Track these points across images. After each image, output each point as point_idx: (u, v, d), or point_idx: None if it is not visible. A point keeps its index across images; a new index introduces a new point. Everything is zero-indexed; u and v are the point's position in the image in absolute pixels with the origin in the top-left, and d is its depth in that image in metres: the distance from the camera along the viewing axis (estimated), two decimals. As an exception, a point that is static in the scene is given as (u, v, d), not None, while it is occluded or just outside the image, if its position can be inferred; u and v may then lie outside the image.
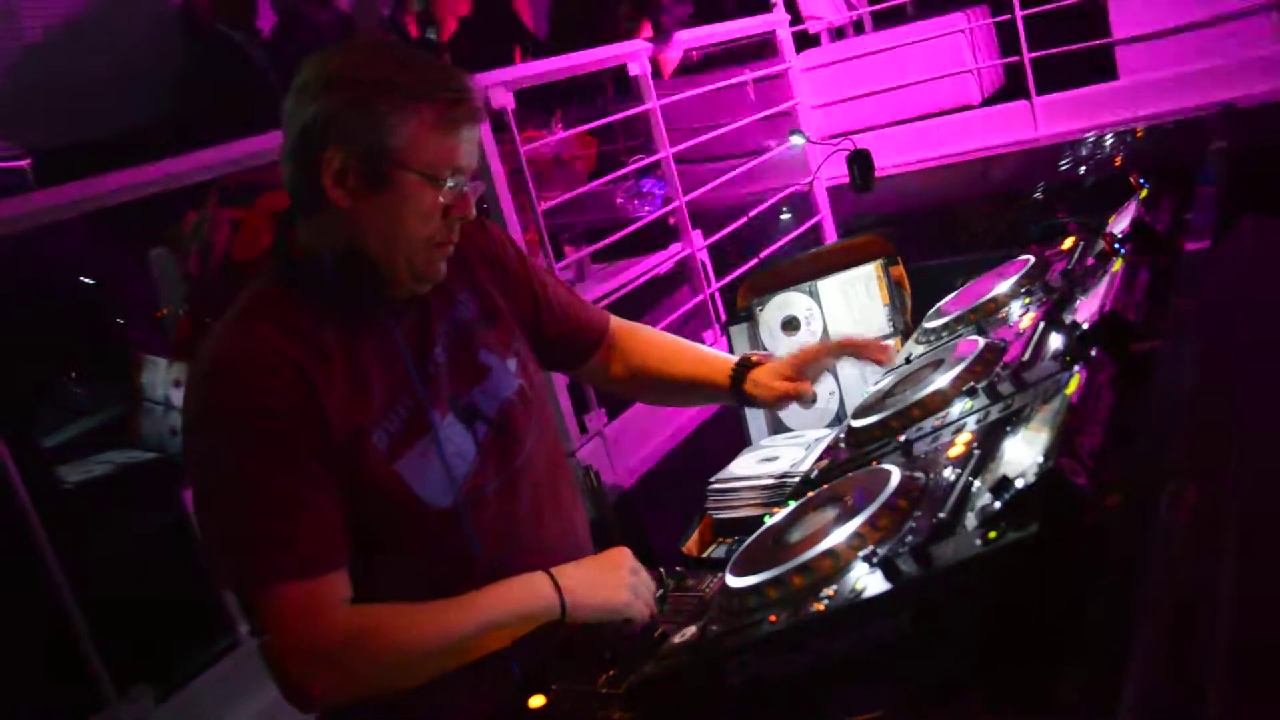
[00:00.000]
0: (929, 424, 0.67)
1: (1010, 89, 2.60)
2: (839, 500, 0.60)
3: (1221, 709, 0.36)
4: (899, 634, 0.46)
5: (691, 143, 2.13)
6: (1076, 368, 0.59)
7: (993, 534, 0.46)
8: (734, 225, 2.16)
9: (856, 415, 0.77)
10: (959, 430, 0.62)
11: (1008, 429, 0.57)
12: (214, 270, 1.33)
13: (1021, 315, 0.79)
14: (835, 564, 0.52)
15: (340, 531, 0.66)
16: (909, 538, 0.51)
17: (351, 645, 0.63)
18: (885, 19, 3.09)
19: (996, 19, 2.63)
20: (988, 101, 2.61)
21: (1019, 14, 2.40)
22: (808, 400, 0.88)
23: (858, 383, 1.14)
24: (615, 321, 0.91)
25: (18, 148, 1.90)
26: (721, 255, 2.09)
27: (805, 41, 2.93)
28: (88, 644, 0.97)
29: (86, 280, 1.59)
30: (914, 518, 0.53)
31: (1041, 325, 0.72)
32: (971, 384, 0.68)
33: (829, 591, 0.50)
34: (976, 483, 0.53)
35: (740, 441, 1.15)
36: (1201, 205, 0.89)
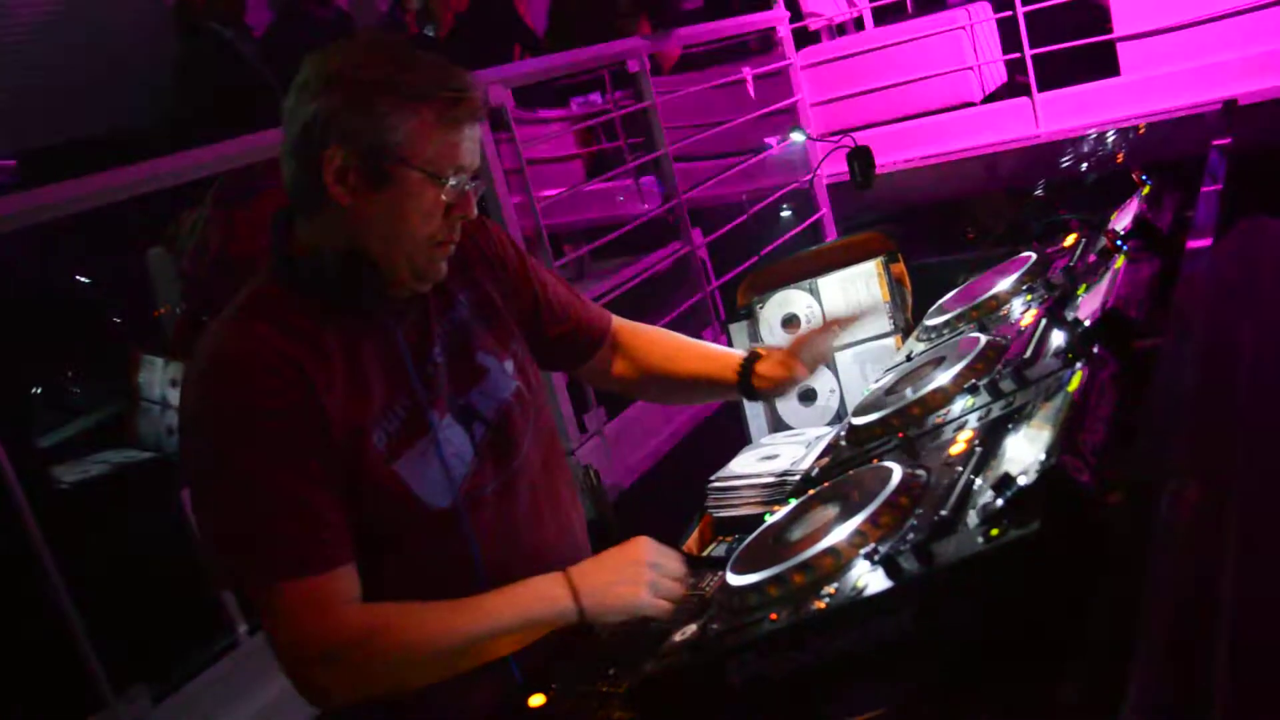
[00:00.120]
0: (930, 421, 0.67)
1: (1012, 86, 2.60)
2: (840, 498, 0.60)
3: (1225, 708, 0.36)
4: (900, 632, 0.46)
5: (691, 140, 2.12)
6: (1078, 365, 0.58)
7: (995, 531, 0.45)
8: (734, 223, 2.15)
9: (857, 413, 0.77)
10: (961, 428, 0.62)
11: (1009, 426, 0.57)
12: (210, 269, 1.33)
13: (1023, 312, 0.79)
14: (836, 562, 0.52)
15: (344, 528, 0.65)
16: (910, 535, 0.51)
17: (361, 644, 0.63)
18: (886, 15, 3.08)
19: (998, 15, 2.62)
20: (989, 98, 2.60)
21: (1020, 10, 2.39)
22: (800, 380, 0.86)
23: (859, 380, 1.14)
24: (617, 321, 0.91)
25: (4, 146, 1.89)
26: (722, 253, 2.08)
27: (806, 38, 2.92)
28: (85, 644, 0.97)
29: (83, 279, 1.59)
30: (915, 515, 0.53)
31: (1043, 322, 0.71)
32: (973, 381, 0.67)
33: (830, 589, 0.50)
34: (978, 480, 0.53)
35: (740, 440, 1.15)
36: (1204, 202, 0.89)
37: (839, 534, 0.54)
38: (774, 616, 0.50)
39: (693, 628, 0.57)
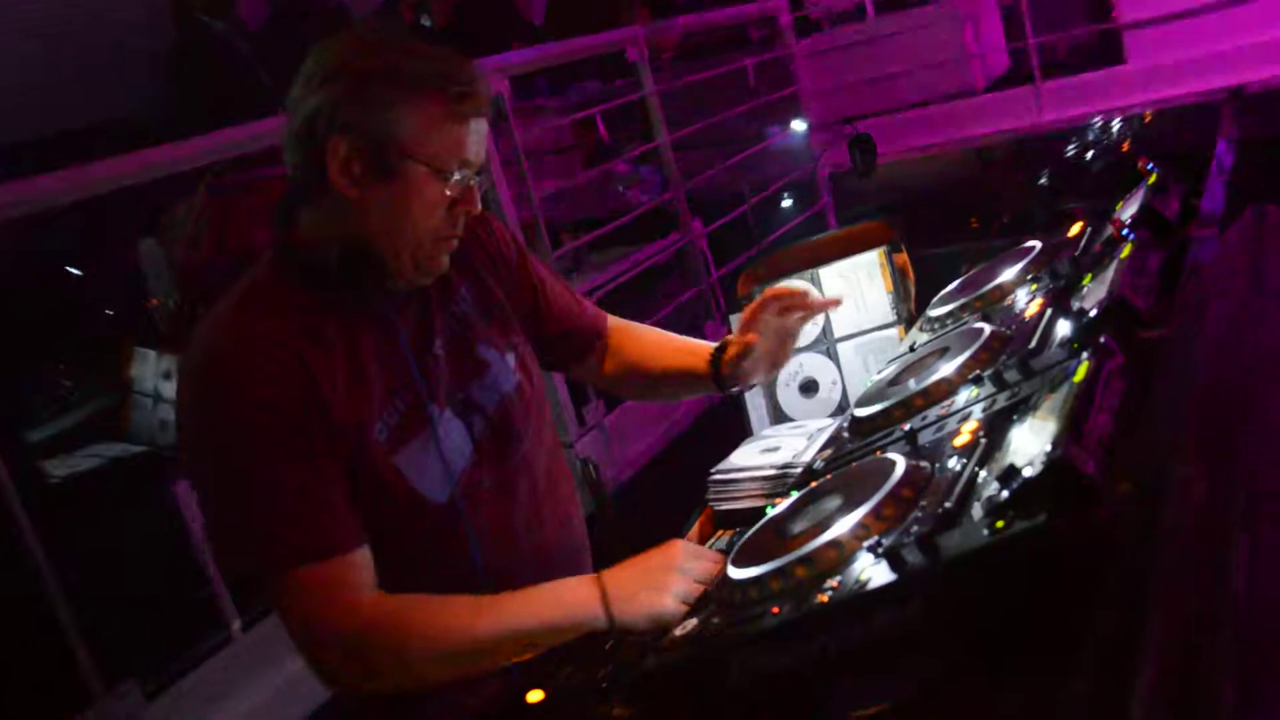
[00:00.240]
0: (934, 413, 0.66)
1: (1015, 74, 2.57)
2: (843, 490, 0.59)
3: (1233, 703, 0.36)
4: (904, 626, 0.46)
5: (690, 129, 2.10)
6: (1084, 355, 0.58)
7: (1000, 524, 0.45)
8: (735, 213, 2.14)
9: (860, 404, 0.77)
10: (965, 419, 0.61)
11: (1015, 417, 0.56)
12: (204, 261, 1.32)
13: (1028, 302, 0.78)
14: (839, 555, 0.52)
15: (353, 513, 0.65)
16: (914, 528, 0.50)
17: (379, 634, 0.63)
18: (888, 4, 3.05)
19: (1002, 3, 2.59)
20: (993, 87, 2.57)
21: (1024, -4, 2.37)
22: (760, 356, 0.81)
23: (861, 372, 1.13)
24: (612, 320, 0.90)
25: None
26: (722, 243, 2.07)
27: (807, 27, 2.88)
28: (76, 639, 0.97)
29: (73, 270, 1.58)
30: (919, 508, 0.52)
31: (1048, 312, 0.70)
32: (977, 372, 0.66)
33: (833, 583, 0.49)
34: (983, 472, 0.52)
35: (741, 432, 1.15)
36: (1211, 191, 0.88)
37: (842, 527, 0.53)
38: (776, 610, 0.50)
39: (693, 622, 0.56)
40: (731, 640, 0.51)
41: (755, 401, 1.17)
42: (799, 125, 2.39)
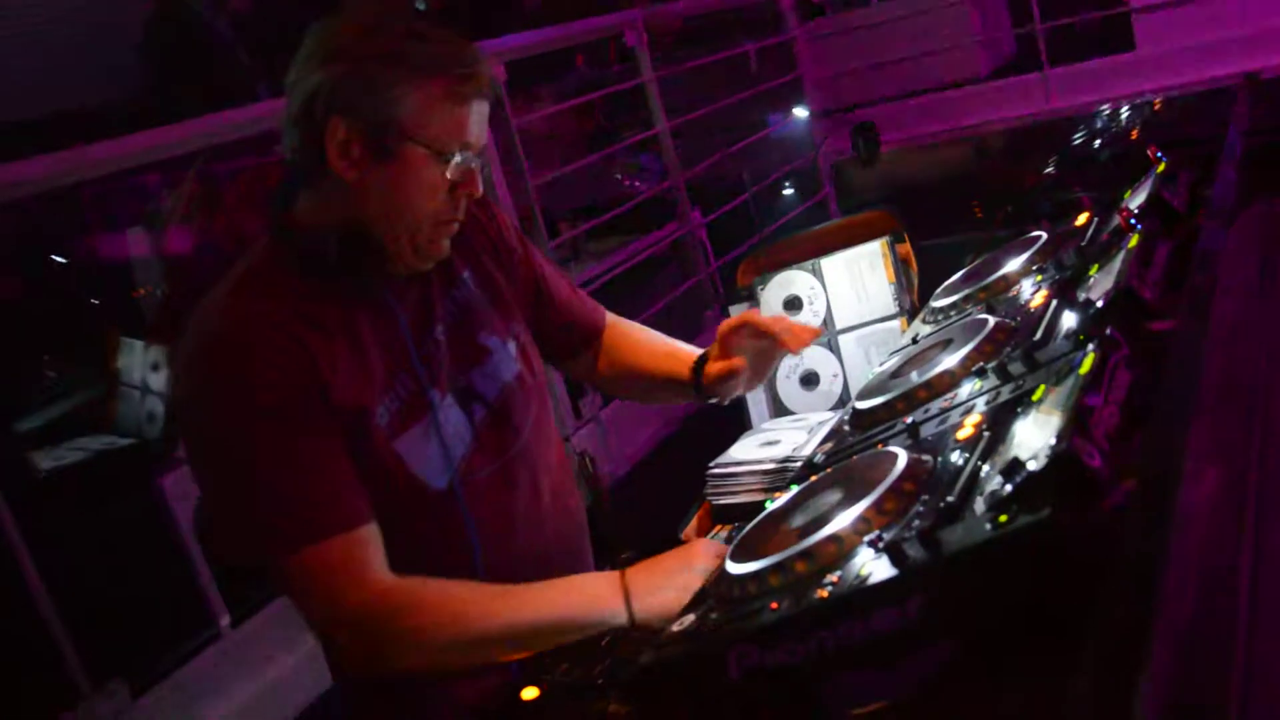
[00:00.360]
0: (936, 406, 0.65)
1: (1023, 60, 2.53)
2: (843, 484, 0.58)
3: (1242, 700, 0.35)
4: (905, 621, 0.45)
5: (690, 116, 2.07)
6: (1090, 347, 0.56)
7: (1003, 518, 0.44)
8: (735, 202, 2.12)
9: (861, 397, 0.76)
10: (968, 412, 0.60)
11: (1018, 410, 0.56)
12: (193, 249, 1.30)
13: (1033, 293, 0.77)
14: (839, 549, 0.51)
15: (360, 489, 0.64)
16: (916, 522, 0.49)
17: (394, 616, 0.62)
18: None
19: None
20: (999, 73, 2.53)
21: (1031, -18, 2.32)
22: (744, 377, 0.80)
23: (863, 364, 1.12)
24: (610, 318, 0.89)
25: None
26: (723, 232, 2.05)
27: (810, 11, 2.84)
28: (62, 636, 0.96)
29: (58, 259, 1.56)
30: (921, 502, 0.51)
31: (1054, 303, 0.69)
32: (981, 364, 0.66)
33: (833, 578, 0.49)
34: (986, 466, 0.51)
35: (740, 425, 1.14)
36: (1221, 180, 0.86)
37: (842, 521, 0.52)
38: (775, 606, 0.49)
39: (691, 617, 0.56)
40: (730, 636, 0.50)
41: (755, 395, 1.16)
42: (801, 112, 2.36)
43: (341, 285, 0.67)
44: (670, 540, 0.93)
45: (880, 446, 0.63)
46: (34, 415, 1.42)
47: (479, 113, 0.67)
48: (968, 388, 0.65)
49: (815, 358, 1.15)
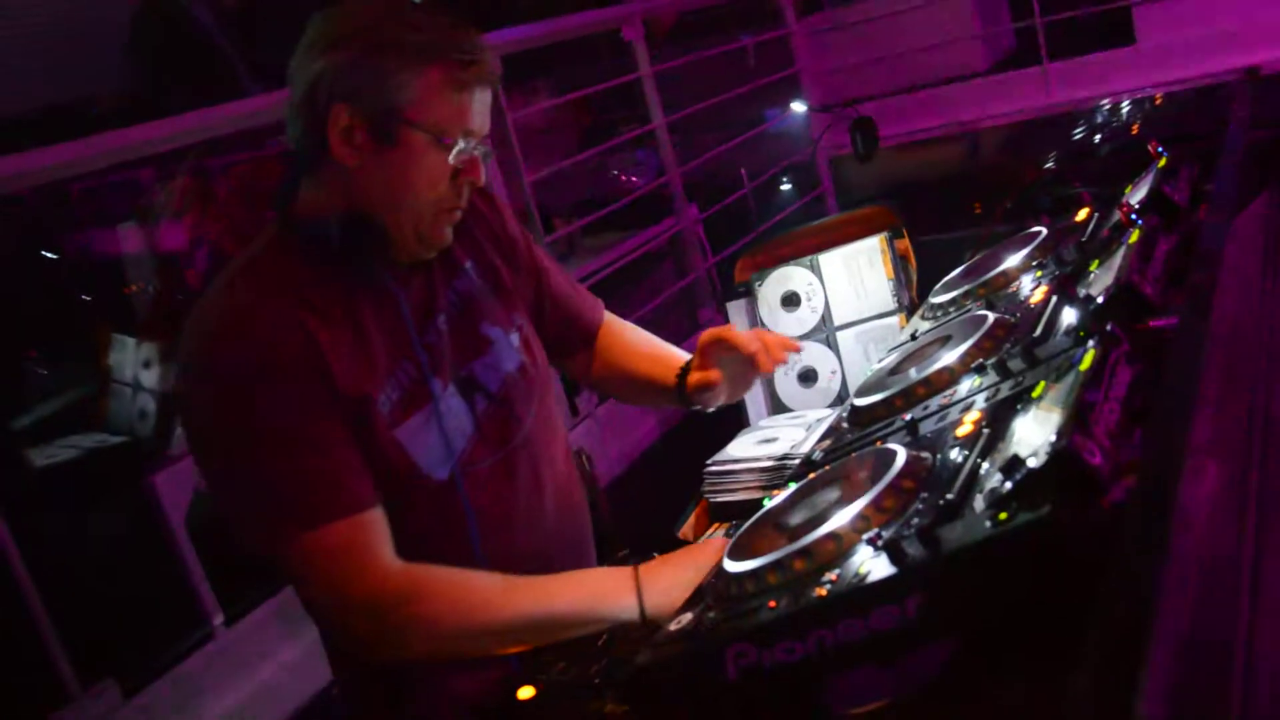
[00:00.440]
0: (936, 402, 0.65)
1: (1023, 54, 2.51)
2: (842, 482, 0.58)
3: (1241, 699, 0.35)
4: (904, 620, 0.45)
5: (687, 111, 2.05)
6: (1091, 343, 0.56)
7: (1003, 515, 0.44)
8: (732, 197, 2.10)
9: (860, 394, 0.75)
10: (967, 409, 0.60)
11: (1018, 407, 0.55)
12: (185, 245, 1.29)
13: (1033, 289, 0.77)
14: (838, 547, 0.51)
15: (366, 472, 0.64)
16: (915, 520, 0.49)
17: (406, 602, 0.62)
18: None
19: (1007, -19, 2.53)
20: (999, 67, 2.52)
21: (1031, -25, 2.31)
22: (723, 388, 0.79)
23: (861, 360, 1.12)
24: (607, 317, 0.89)
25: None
26: (720, 228, 2.04)
27: (808, 5, 2.82)
28: (52, 636, 0.95)
29: (49, 254, 1.54)
30: (920, 499, 0.51)
31: (1054, 299, 0.69)
32: (980, 361, 0.65)
33: (831, 576, 0.48)
34: (985, 463, 0.51)
35: (738, 422, 1.13)
36: (1222, 175, 0.86)
37: (841, 519, 0.52)
38: (773, 604, 0.49)
39: (688, 616, 0.55)
40: (728, 635, 0.50)
41: (753, 391, 1.16)
42: (799, 107, 2.34)
43: (344, 273, 0.67)
44: (667, 538, 0.92)
45: (879, 443, 0.63)
46: (24, 413, 1.41)
47: (481, 100, 0.67)
48: (967, 384, 0.64)
49: (814, 354, 1.15)
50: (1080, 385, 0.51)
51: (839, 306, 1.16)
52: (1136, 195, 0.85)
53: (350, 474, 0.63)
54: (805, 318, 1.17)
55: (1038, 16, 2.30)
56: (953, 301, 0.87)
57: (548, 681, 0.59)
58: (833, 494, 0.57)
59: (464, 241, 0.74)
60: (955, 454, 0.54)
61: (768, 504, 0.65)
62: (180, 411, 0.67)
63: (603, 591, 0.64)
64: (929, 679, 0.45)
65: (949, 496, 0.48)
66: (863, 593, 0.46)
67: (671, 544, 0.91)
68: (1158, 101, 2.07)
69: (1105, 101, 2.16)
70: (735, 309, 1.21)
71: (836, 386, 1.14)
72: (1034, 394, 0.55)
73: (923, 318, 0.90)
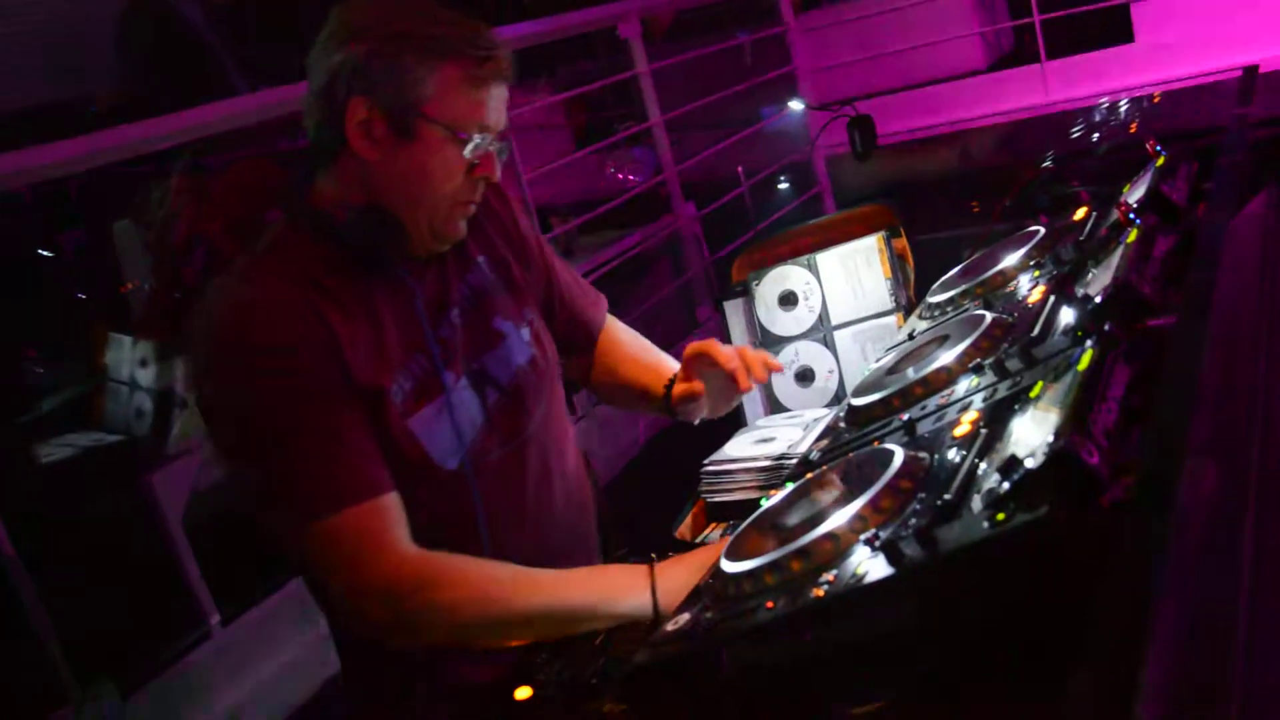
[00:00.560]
0: (933, 402, 0.65)
1: (1020, 52, 2.51)
2: (839, 482, 0.58)
3: (1243, 697, 0.35)
4: (902, 621, 0.45)
5: (684, 109, 2.05)
6: (1089, 343, 0.56)
7: (1001, 516, 0.44)
8: (729, 196, 2.10)
9: (857, 394, 0.75)
10: (965, 409, 0.60)
11: (1016, 407, 0.55)
12: (181, 243, 1.28)
13: (1031, 288, 0.77)
14: (835, 548, 0.50)
15: (381, 458, 0.65)
16: (912, 520, 0.49)
17: (421, 589, 0.62)
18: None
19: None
20: (997, 66, 2.52)
21: (1029, -27, 2.30)
22: (705, 402, 0.79)
23: (859, 360, 1.12)
24: (607, 320, 0.89)
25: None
26: (717, 227, 2.03)
27: (806, 3, 2.81)
28: (49, 636, 0.95)
29: (45, 253, 1.53)
30: (918, 500, 0.51)
31: (1052, 299, 0.69)
32: (978, 360, 0.65)
33: (829, 576, 0.48)
34: (983, 464, 0.51)
35: (735, 422, 1.13)
36: (1222, 174, 0.86)
37: (838, 519, 0.52)
38: (770, 605, 0.49)
39: (686, 616, 0.55)
40: (725, 635, 0.50)
41: (751, 392, 1.15)
42: (796, 105, 2.34)
43: (359, 265, 0.67)
44: (665, 538, 0.92)
45: (876, 443, 0.63)
46: (21, 412, 1.40)
47: (498, 96, 0.68)
48: (965, 384, 0.64)
49: (811, 354, 1.15)
50: (1078, 385, 0.51)
51: (836, 306, 1.16)
52: (1135, 194, 0.85)
53: (367, 460, 0.64)
54: (802, 317, 1.17)
55: (1036, 14, 2.30)
56: (950, 301, 0.87)
57: (545, 681, 0.59)
58: (830, 494, 0.57)
59: (477, 236, 0.75)
60: (953, 454, 0.53)
61: (765, 504, 0.65)
62: (198, 399, 0.67)
63: (618, 587, 0.64)
64: (928, 680, 0.45)
65: (946, 497, 0.48)
66: (860, 593, 0.45)
67: (669, 544, 0.91)
68: (1156, 100, 2.07)
69: (1103, 100, 2.17)
70: (732, 308, 1.21)
71: (834, 386, 1.14)
72: (1032, 394, 0.55)
73: (920, 317, 0.90)
